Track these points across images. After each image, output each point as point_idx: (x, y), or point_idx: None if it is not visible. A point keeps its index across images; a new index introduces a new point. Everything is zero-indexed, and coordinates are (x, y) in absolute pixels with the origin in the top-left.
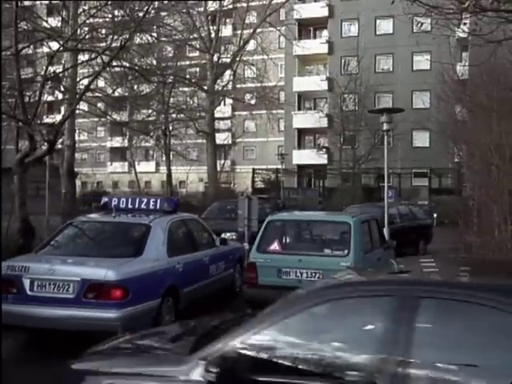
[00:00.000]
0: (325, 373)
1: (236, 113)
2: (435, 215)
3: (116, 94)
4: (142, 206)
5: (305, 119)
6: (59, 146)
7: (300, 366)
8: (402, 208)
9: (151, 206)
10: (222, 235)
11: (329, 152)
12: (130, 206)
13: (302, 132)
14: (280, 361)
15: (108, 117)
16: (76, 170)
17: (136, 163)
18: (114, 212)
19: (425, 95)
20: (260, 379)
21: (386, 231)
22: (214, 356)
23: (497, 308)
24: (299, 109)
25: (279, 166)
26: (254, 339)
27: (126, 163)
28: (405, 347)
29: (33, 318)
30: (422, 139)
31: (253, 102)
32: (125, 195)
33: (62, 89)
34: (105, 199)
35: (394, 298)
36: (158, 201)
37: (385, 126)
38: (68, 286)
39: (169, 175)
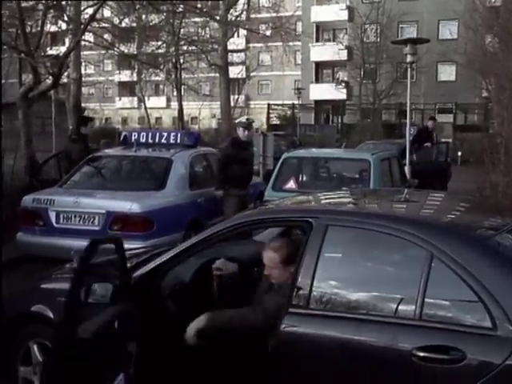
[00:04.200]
0: None
1: (250, 45)
2: (459, 153)
3: (123, 24)
4: (163, 141)
5: (323, 51)
6: (65, 80)
7: None
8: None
9: (172, 141)
10: None
11: (348, 86)
12: (150, 141)
13: (319, 65)
14: None
15: (115, 49)
16: (83, 105)
17: (146, 98)
18: (135, 146)
19: (452, 25)
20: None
21: (407, 170)
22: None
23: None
24: (317, 40)
25: (295, 102)
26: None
27: (136, 98)
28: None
29: (60, 250)
30: (447, 72)
31: (268, 33)
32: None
33: (66, 18)
34: (124, 133)
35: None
36: (179, 135)
37: (408, 58)
38: (93, 219)
39: (180, 111)
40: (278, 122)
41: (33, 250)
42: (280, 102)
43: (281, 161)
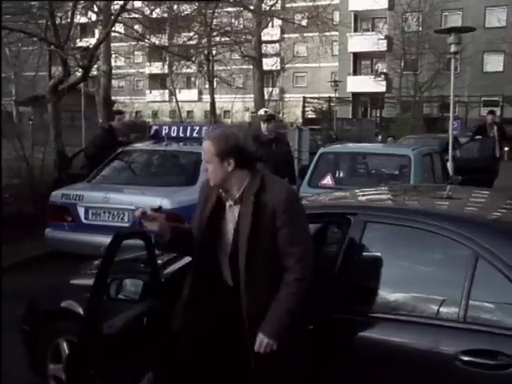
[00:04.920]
0: None
1: (285, 35)
2: (506, 149)
3: (154, 14)
4: (194, 135)
5: (361, 42)
6: (94, 73)
7: None
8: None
9: (203, 134)
10: None
11: (387, 78)
12: (181, 135)
13: (357, 56)
14: None
15: (146, 40)
16: (113, 98)
17: (177, 91)
18: (166, 140)
19: (500, 11)
20: None
21: (449, 166)
22: None
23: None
24: (355, 30)
25: (332, 94)
26: None
27: (166, 91)
28: None
29: (88, 246)
30: (494, 63)
31: (304, 22)
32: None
33: (96, 9)
34: (155, 127)
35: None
36: (211, 129)
37: (452, 48)
38: (123, 215)
39: (212, 104)
40: (314, 116)
41: (61, 247)
42: (316, 95)
43: (317, 156)
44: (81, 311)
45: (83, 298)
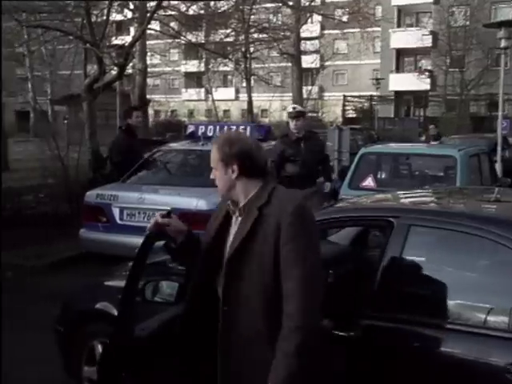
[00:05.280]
0: None
1: (325, 32)
2: None
3: (190, 11)
4: None
5: (405, 38)
6: (130, 71)
7: None
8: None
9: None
10: None
11: (432, 76)
12: (217, 134)
13: (400, 53)
14: None
15: (182, 38)
16: (148, 96)
17: (213, 90)
18: (202, 140)
19: None
20: None
21: (498, 167)
22: None
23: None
24: (398, 26)
25: (374, 93)
26: None
27: (203, 90)
28: None
29: (123, 247)
30: None
31: (344, 18)
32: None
33: (132, 7)
34: (191, 127)
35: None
36: (248, 128)
37: (502, 43)
38: None
39: (249, 103)
40: (355, 115)
41: (95, 247)
42: (357, 94)
43: (358, 157)
44: (115, 313)
45: (118, 300)
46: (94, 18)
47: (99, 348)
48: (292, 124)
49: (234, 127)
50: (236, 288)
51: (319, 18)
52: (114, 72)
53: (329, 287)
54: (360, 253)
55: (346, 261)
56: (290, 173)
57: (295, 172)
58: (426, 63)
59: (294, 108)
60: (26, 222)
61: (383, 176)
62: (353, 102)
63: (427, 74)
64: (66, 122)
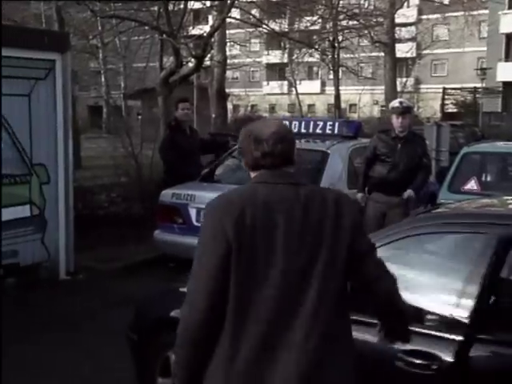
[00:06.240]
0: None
1: (423, 16)
2: None
3: None
4: (317, 131)
5: None
6: (208, 63)
7: None
8: None
9: (327, 131)
10: None
11: None
12: (302, 131)
13: (511, 38)
14: None
15: (264, 26)
16: (227, 90)
17: (297, 82)
18: None
19: None
20: None
21: None
22: None
23: None
24: (510, 7)
25: (478, 85)
26: None
27: (285, 82)
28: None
29: None
30: None
31: (446, 1)
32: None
33: None
34: None
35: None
36: (336, 124)
37: None
38: None
39: (337, 97)
40: (456, 110)
41: (171, 250)
42: (458, 86)
43: (459, 156)
44: None
45: None
46: (170, 7)
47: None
48: (397, 121)
49: (321, 123)
50: None
51: (416, 1)
52: (191, 64)
53: None
54: (458, 264)
55: None
56: (377, 174)
57: (382, 175)
58: None
59: (400, 103)
60: (98, 222)
61: (488, 178)
62: (453, 95)
63: None
64: (139, 117)
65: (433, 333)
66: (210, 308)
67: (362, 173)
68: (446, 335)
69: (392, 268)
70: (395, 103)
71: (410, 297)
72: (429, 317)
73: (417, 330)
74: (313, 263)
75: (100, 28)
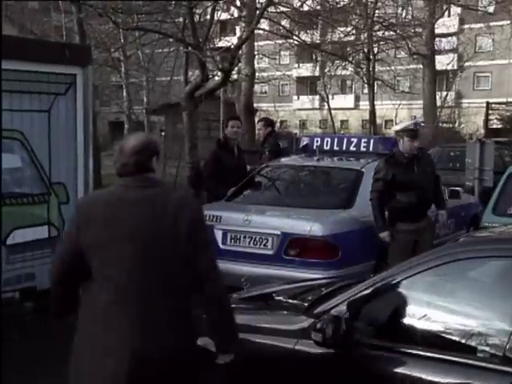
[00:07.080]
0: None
1: (465, 26)
2: None
3: (305, 7)
4: (351, 148)
5: None
6: (235, 76)
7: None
8: None
9: (362, 148)
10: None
11: None
12: (335, 148)
13: None
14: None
15: (294, 37)
16: (255, 105)
17: (329, 97)
18: (318, 154)
19: None
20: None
21: None
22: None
23: None
24: None
25: None
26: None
27: (317, 97)
28: None
29: (226, 275)
30: None
31: (491, 9)
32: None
33: (239, 4)
34: (305, 140)
35: None
36: (371, 141)
37: None
38: (266, 241)
39: (372, 112)
40: (501, 126)
41: None
42: (503, 100)
43: (505, 176)
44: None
45: None
46: (196, 18)
47: None
48: (411, 144)
49: (355, 140)
50: None
51: (458, 10)
52: (217, 78)
53: None
54: (507, 291)
55: None
56: (399, 204)
57: (412, 201)
58: None
59: (415, 125)
60: None
61: None
62: (498, 109)
63: None
64: (163, 133)
65: (487, 365)
66: (61, 263)
67: (376, 207)
68: (502, 368)
69: (433, 295)
70: (410, 125)
71: (457, 325)
72: (480, 348)
73: (469, 362)
74: (146, 249)
75: (122, 40)
